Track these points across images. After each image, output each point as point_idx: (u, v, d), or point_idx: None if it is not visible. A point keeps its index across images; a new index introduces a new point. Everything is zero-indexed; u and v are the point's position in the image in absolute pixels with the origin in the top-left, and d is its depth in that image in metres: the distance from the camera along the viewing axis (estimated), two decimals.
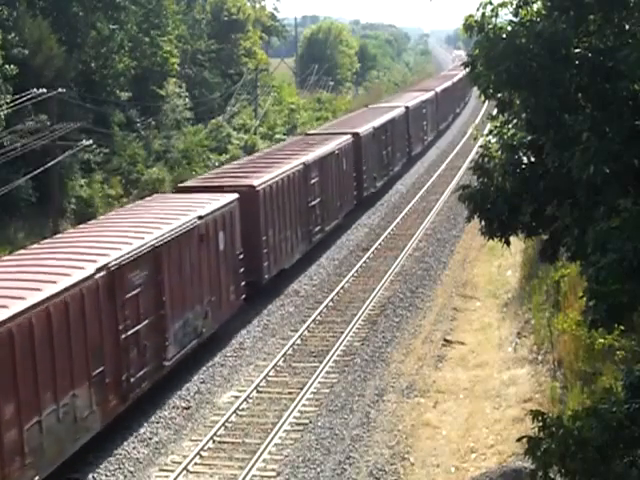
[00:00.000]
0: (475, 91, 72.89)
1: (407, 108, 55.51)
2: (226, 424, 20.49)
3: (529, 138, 13.36)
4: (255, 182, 28.79)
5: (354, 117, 52.47)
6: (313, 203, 33.99)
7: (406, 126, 54.75)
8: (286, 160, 33.17)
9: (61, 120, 33.70)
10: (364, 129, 43.83)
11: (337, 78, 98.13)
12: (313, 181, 34.07)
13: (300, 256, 32.49)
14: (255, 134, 60.00)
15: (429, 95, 65.98)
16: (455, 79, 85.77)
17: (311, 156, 34.53)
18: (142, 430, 20.23)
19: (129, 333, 19.83)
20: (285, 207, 30.89)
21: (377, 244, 36.52)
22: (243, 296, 26.75)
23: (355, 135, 41.58)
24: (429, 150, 63.23)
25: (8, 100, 33.52)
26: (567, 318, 20.26)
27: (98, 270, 18.77)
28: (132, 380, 19.86)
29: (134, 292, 20.06)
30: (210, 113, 57.48)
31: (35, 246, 21.95)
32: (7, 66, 35.08)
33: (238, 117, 60.85)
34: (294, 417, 20.77)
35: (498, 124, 14.10)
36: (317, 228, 34.55)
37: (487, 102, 14.17)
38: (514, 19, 12.45)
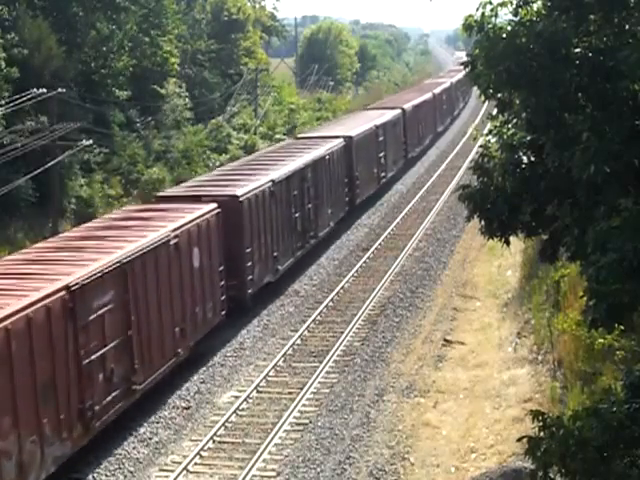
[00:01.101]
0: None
1: (349, 139, 40.23)
2: (226, 424, 20.49)
3: (529, 138, 13.35)
4: None
5: (258, 159, 35.18)
6: (91, 359, 18.24)
7: (347, 164, 39.55)
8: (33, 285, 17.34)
9: (61, 120, 33.70)
10: (252, 187, 27.82)
11: (337, 78, 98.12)
12: (97, 315, 18.55)
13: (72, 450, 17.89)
14: (255, 134, 60.01)
15: (391, 116, 50.77)
16: (438, 89, 72.02)
17: (100, 263, 18.96)
18: (142, 430, 20.23)
19: None
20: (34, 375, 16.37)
21: (377, 244, 36.52)
22: None
23: (229, 199, 25.80)
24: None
25: (6, 96, 33.49)
26: (567, 318, 20.27)
27: None
28: None
29: None
30: (210, 113, 57.48)
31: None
32: (9, 68, 35.10)
33: (238, 117, 60.86)
34: (294, 417, 20.77)
35: (498, 124, 14.09)
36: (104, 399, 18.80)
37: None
38: (514, 19, 12.44)
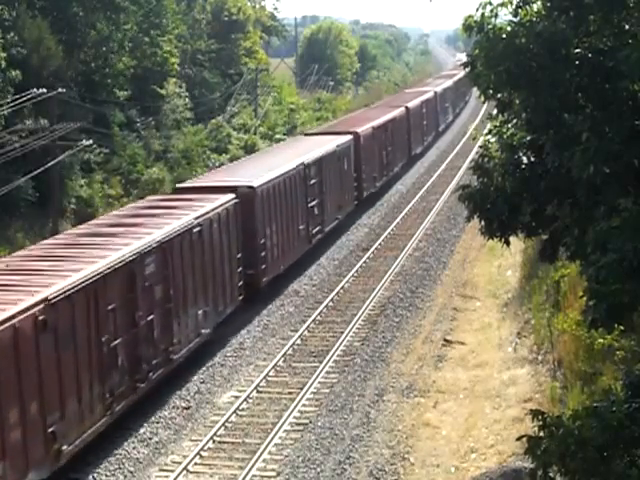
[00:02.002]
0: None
1: (250, 191, 27.54)
2: (226, 424, 20.49)
3: (529, 138, 13.37)
4: None
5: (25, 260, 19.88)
6: None
7: (245, 229, 27.00)
8: None
9: (61, 120, 33.71)
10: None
11: (337, 78, 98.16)
12: None
13: None
14: (255, 134, 60.04)
15: (334, 146, 37.88)
16: (415, 102, 59.50)
17: None
18: (142, 430, 20.23)
19: None
20: None
21: (377, 244, 36.52)
22: None
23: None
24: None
25: (9, 100, 33.54)
26: (567, 318, 20.28)
27: None
28: None
29: None
30: (210, 113, 57.50)
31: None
32: (12, 72, 35.11)
33: (238, 117, 60.88)
34: (294, 417, 20.77)
35: (498, 124, 14.11)
36: None
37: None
38: (514, 19, 12.45)
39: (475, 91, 14.51)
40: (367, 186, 43.89)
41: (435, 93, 69.19)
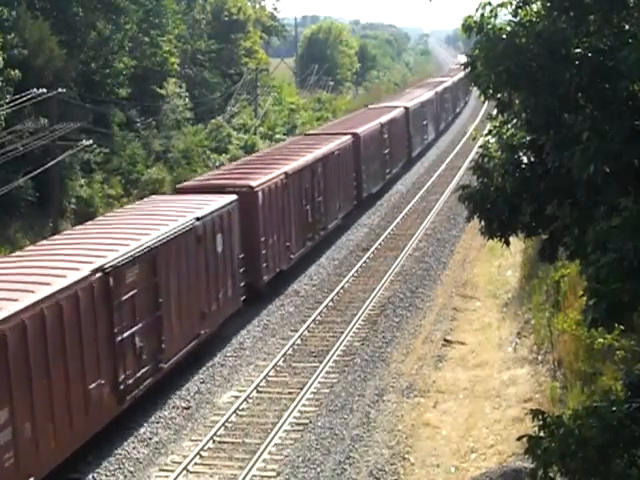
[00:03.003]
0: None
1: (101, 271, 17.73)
2: (226, 424, 20.50)
3: (529, 138, 13.36)
4: None
5: None
6: None
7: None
8: None
9: (61, 120, 33.70)
10: None
11: (337, 78, 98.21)
12: None
13: None
14: (255, 134, 60.03)
15: (194, 219, 22.97)
16: (369, 126, 44.47)
17: None
18: (142, 430, 20.24)
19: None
20: None
21: (377, 244, 36.52)
22: None
23: None
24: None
25: (7, 100, 33.53)
26: (567, 318, 20.29)
27: None
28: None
29: None
30: (210, 113, 57.50)
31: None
32: (11, 71, 35.09)
33: (238, 117, 60.88)
34: (294, 417, 20.78)
35: (497, 124, 14.11)
36: None
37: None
38: (513, 19, 12.44)
39: (472, 96, 14.51)
40: (271, 266, 29.12)
41: (406, 110, 54.99)
